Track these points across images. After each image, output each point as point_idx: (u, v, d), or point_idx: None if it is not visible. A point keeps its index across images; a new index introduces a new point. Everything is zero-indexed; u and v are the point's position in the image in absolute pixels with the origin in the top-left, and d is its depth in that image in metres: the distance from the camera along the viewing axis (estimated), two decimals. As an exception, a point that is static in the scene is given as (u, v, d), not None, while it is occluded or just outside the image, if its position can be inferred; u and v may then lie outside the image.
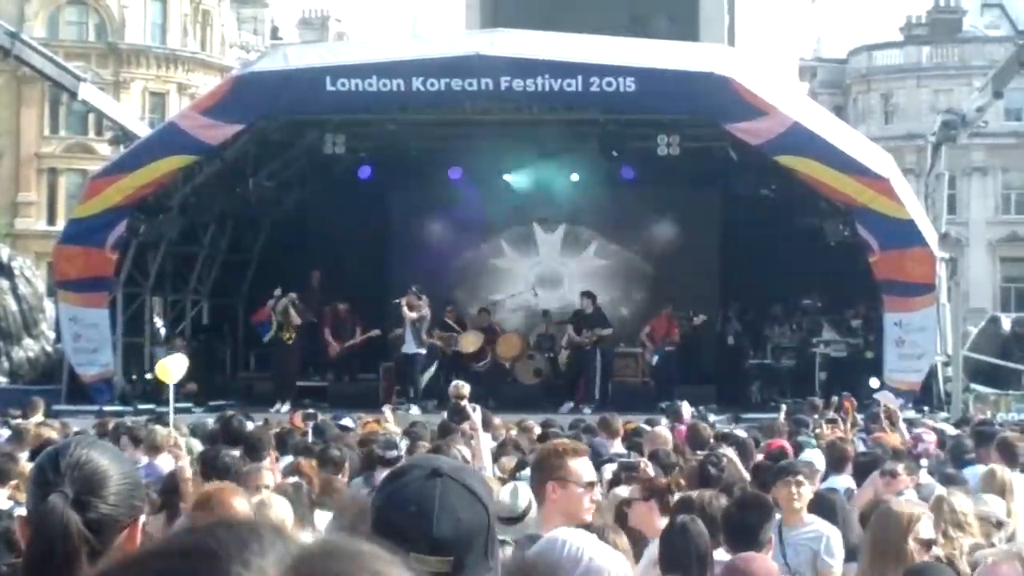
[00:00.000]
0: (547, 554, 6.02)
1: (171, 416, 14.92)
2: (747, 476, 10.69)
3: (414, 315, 26.18)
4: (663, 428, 14.31)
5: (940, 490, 10.02)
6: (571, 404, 25.70)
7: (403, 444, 12.56)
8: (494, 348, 28.08)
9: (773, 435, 14.84)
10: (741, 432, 15.67)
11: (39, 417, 18.79)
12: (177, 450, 10.23)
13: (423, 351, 26.40)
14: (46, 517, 2.99)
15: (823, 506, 9.08)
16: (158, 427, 13.56)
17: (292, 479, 9.22)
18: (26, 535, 3.06)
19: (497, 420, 15.92)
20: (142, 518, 3.15)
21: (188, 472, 9.59)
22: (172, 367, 14.64)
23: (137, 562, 1.36)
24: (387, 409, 19.59)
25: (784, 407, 20.50)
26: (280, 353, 27.22)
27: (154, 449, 12.52)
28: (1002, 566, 5.68)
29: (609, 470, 11.24)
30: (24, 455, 11.72)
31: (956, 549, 7.70)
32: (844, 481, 11.03)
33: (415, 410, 24.30)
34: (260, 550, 1.34)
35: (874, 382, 21.74)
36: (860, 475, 11.06)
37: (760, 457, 12.32)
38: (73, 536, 2.96)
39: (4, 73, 60.79)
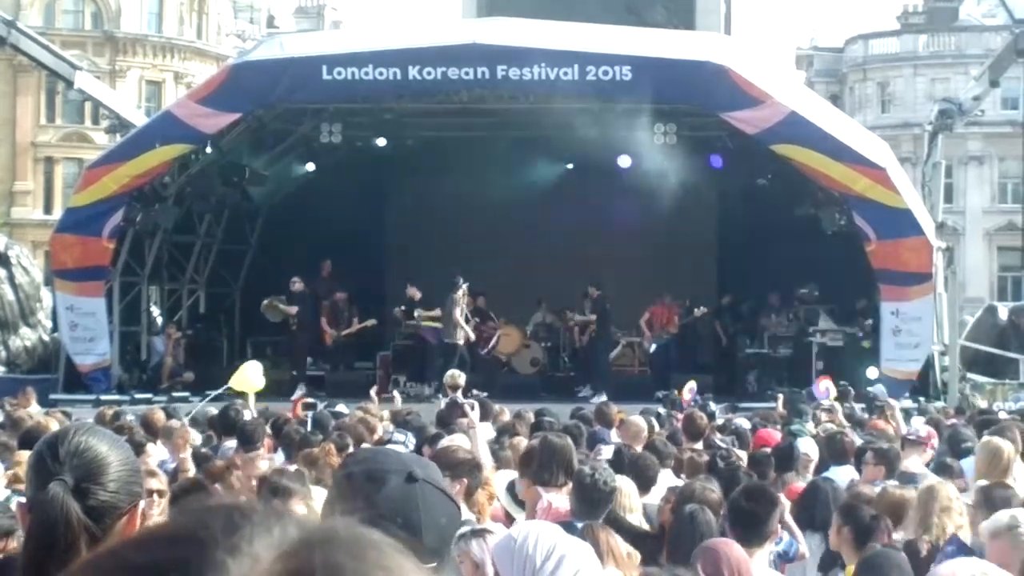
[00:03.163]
0: (519, 546, 6.02)
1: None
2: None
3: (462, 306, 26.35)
4: (637, 418, 14.13)
5: (932, 479, 10.06)
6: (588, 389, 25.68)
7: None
8: (496, 340, 28.02)
9: (769, 424, 14.87)
10: (744, 422, 15.66)
11: (34, 407, 18.73)
12: (181, 443, 10.22)
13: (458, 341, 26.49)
14: (46, 505, 2.99)
15: (813, 494, 9.10)
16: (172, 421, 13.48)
17: (293, 467, 9.23)
18: (26, 523, 3.07)
19: (497, 407, 15.89)
20: (141, 504, 3.16)
21: (189, 463, 9.61)
22: (251, 376, 14.18)
23: (122, 549, 1.33)
24: (373, 392, 19.60)
25: (781, 396, 20.52)
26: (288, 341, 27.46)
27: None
28: (998, 539, 5.71)
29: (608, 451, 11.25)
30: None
31: (941, 532, 7.80)
32: (846, 472, 11.02)
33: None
34: (251, 535, 1.30)
35: (872, 372, 21.74)
36: (859, 464, 11.08)
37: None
38: (73, 524, 2.97)
39: (0, 62, 60.72)
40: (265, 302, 27.46)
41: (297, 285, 27.28)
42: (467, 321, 26.73)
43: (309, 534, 1.32)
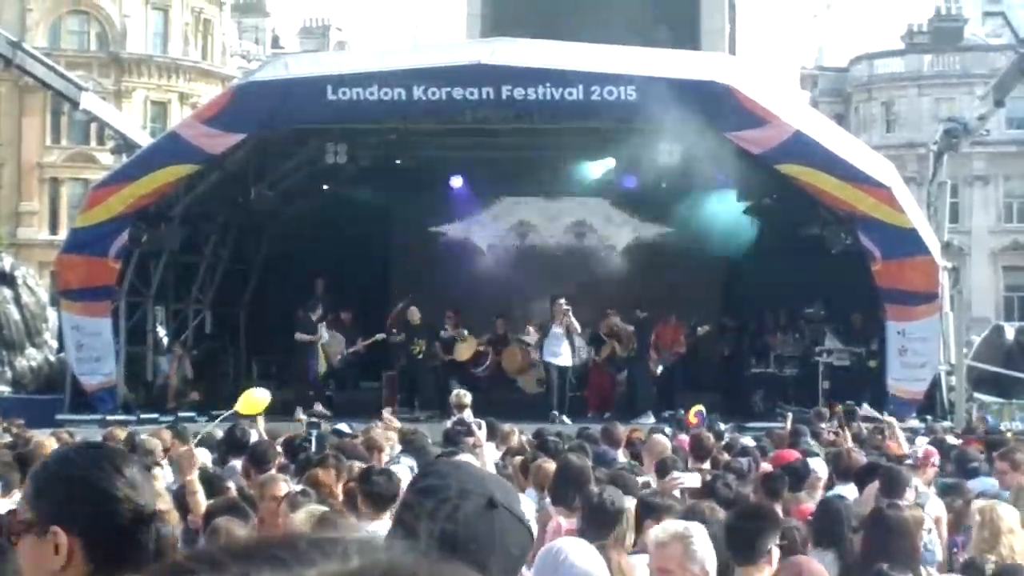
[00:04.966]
0: (551, 565, 6.04)
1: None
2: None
3: (567, 325, 26.16)
4: (661, 437, 14.27)
5: (935, 500, 10.05)
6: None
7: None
8: (500, 358, 28.05)
9: (782, 444, 14.87)
10: (750, 441, 15.69)
11: None
12: (190, 463, 10.16)
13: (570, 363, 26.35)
14: (146, 548, 2.99)
15: (828, 512, 9.10)
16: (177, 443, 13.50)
17: (299, 487, 9.23)
18: (84, 550, 2.97)
19: (506, 427, 15.89)
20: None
21: (197, 486, 9.59)
22: (258, 397, 14.08)
23: (214, 554, 1.35)
24: (387, 413, 19.56)
25: (790, 415, 20.49)
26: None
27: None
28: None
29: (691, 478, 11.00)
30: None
31: (1010, 552, 7.87)
32: (849, 490, 11.04)
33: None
34: (322, 558, 1.32)
35: (866, 408, 21.58)
36: (859, 483, 11.07)
37: (768, 467, 12.30)
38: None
39: (6, 83, 60.90)
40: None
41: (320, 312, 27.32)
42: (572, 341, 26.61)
43: (373, 562, 1.32)
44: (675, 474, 10.61)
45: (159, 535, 3.00)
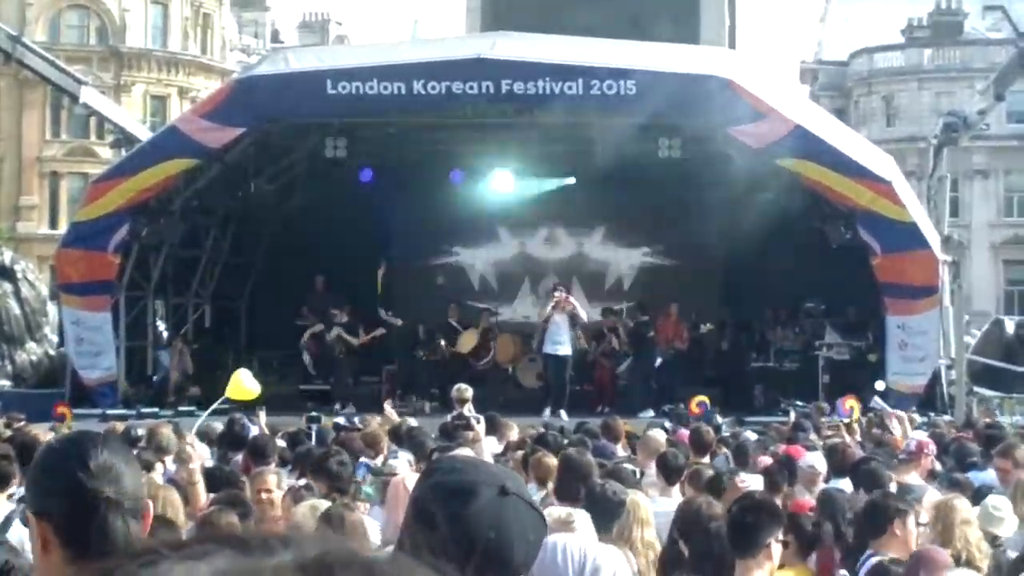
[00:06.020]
0: (548, 560, 6.04)
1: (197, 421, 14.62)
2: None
3: (579, 313, 26.04)
4: (658, 432, 14.30)
5: (933, 493, 10.06)
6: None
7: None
8: (495, 350, 28.10)
9: (781, 439, 14.89)
10: (751, 435, 15.69)
11: None
12: (188, 454, 10.15)
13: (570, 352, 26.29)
14: (107, 535, 3.00)
15: (827, 504, 9.12)
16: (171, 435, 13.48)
17: (302, 482, 9.23)
18: (43, 532, 3.04)
19: (504, 421, 15.89)
20: (149, 504, 3.25)
21: (197, 476, 9.59)
22: (246, 383, 13.97)
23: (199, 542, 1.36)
24: (387, 406, 19.58)
25: (793, 410, 20.50)
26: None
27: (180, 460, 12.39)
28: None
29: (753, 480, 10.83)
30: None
31: (966, 544, 7.91)
32: (845, 484, 11.06)
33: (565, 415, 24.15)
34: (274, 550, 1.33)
35: (879, 384, 21.67)
36: (856, 477, 11.09)
37: (770, 460, 12.32)
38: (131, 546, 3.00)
39: (6, 77, 60.88)
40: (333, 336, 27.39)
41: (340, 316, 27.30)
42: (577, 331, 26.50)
43: (328, 554, 1.33)
44: (741, 476, 10.59)
45: (125, 530, 3.01)
